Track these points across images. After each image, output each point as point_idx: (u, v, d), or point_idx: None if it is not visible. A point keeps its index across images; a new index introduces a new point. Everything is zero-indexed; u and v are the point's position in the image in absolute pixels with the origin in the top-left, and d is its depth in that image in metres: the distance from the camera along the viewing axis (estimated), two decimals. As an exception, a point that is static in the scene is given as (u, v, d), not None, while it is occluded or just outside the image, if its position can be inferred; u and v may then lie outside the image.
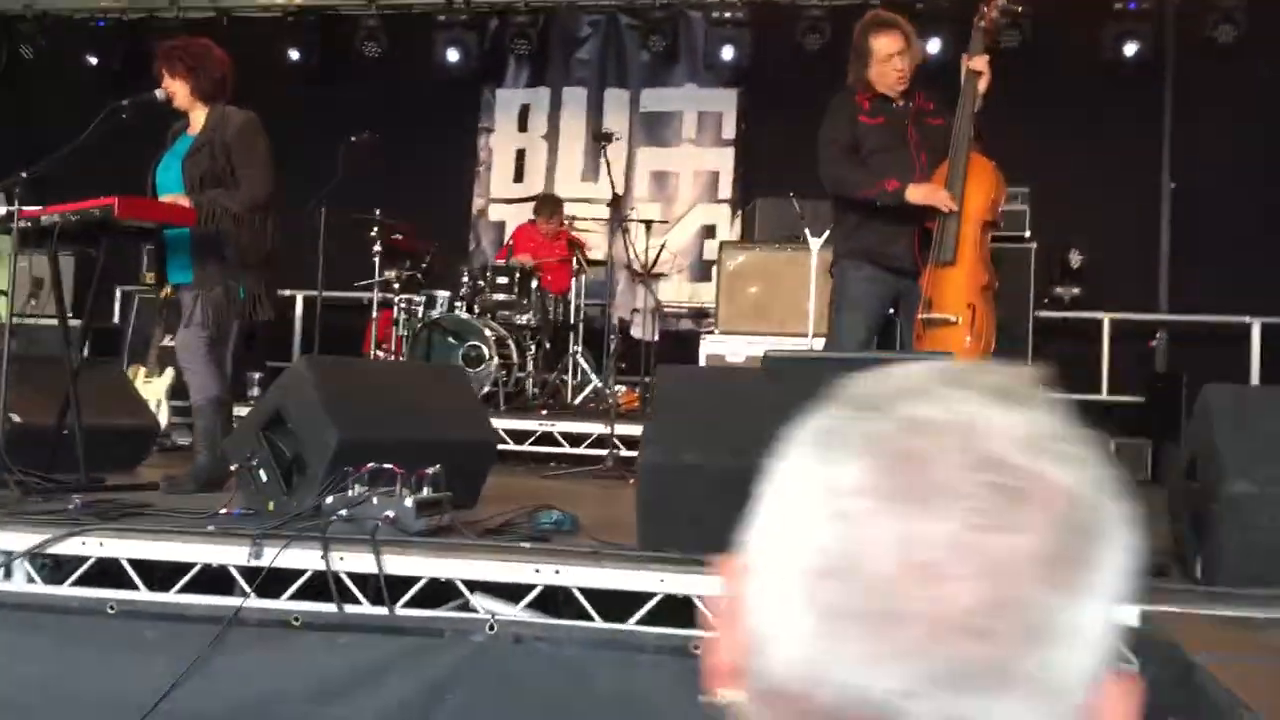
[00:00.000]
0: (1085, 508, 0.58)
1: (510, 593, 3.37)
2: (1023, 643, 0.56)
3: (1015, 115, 8.56)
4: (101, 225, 4.50)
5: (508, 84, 10.00)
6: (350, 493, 3.57)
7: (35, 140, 10.66)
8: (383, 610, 3.32)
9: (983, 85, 4.55)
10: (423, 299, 7.45)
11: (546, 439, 6.60)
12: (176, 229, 4.79)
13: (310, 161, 9.10)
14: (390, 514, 3.50)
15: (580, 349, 7.59)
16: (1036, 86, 8.47)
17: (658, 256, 7.78)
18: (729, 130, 9.65)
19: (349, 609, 3.34)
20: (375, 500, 3.53)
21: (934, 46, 8.20)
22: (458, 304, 7.28)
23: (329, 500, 3.58)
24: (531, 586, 3.28)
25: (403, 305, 7.45)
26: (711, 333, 7.07)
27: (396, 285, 7.40)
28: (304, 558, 3.37)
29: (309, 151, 9.05)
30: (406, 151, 9.87)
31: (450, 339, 7.13)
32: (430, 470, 3.65)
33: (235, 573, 3.40)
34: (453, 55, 9.67)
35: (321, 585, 3.37)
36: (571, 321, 7.64)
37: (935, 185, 4.49)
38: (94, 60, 10.36)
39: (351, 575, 3.36)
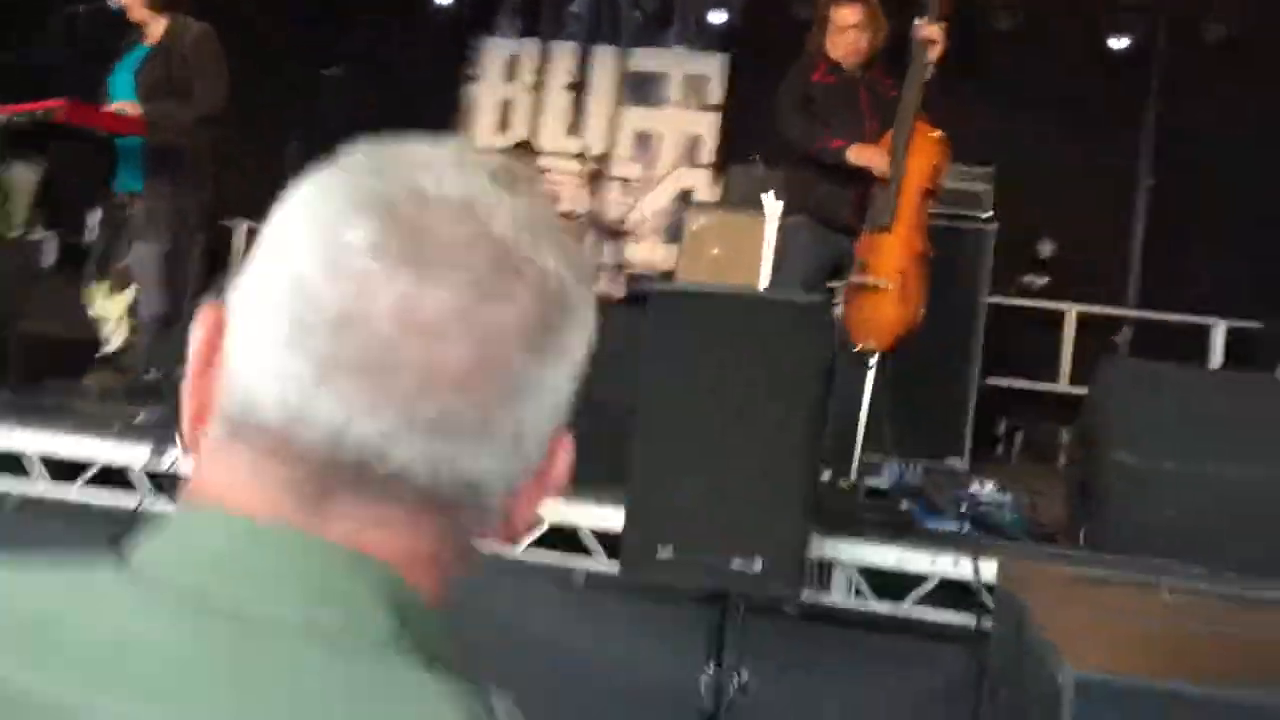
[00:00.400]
0: (564, 286, 0.64)
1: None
2: (502, 400, 0.61)
3: (996, 94, 8.64)
4: (50, 130, 4.50)
5: (498, 32, 9.97)
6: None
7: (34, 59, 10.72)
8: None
9: (934, 54, 4.53)
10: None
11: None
12: (129, 140, 4.80)
13: (286, 99, 9.13)
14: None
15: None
16: (1024, 68, 8.49)
17: (628, 216, 7.78)
18: (715, 95, 9.63)
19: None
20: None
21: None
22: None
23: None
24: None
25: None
26: (673, 293, 7.08)
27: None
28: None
29: (285, 87, 9.08)
30: (391, 95, 9.86)
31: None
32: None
33: (142, 473, 3.44)
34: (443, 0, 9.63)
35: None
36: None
37: (874, 147, 4.50)
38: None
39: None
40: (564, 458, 0.69)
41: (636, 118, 9.69)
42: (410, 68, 9.84)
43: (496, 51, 9.98)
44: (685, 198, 9.37)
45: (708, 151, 9.60)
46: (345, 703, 0.53)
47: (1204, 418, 3.22)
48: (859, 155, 4.49)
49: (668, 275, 8.46)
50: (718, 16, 9.29)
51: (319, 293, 0.60)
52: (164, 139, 4.73)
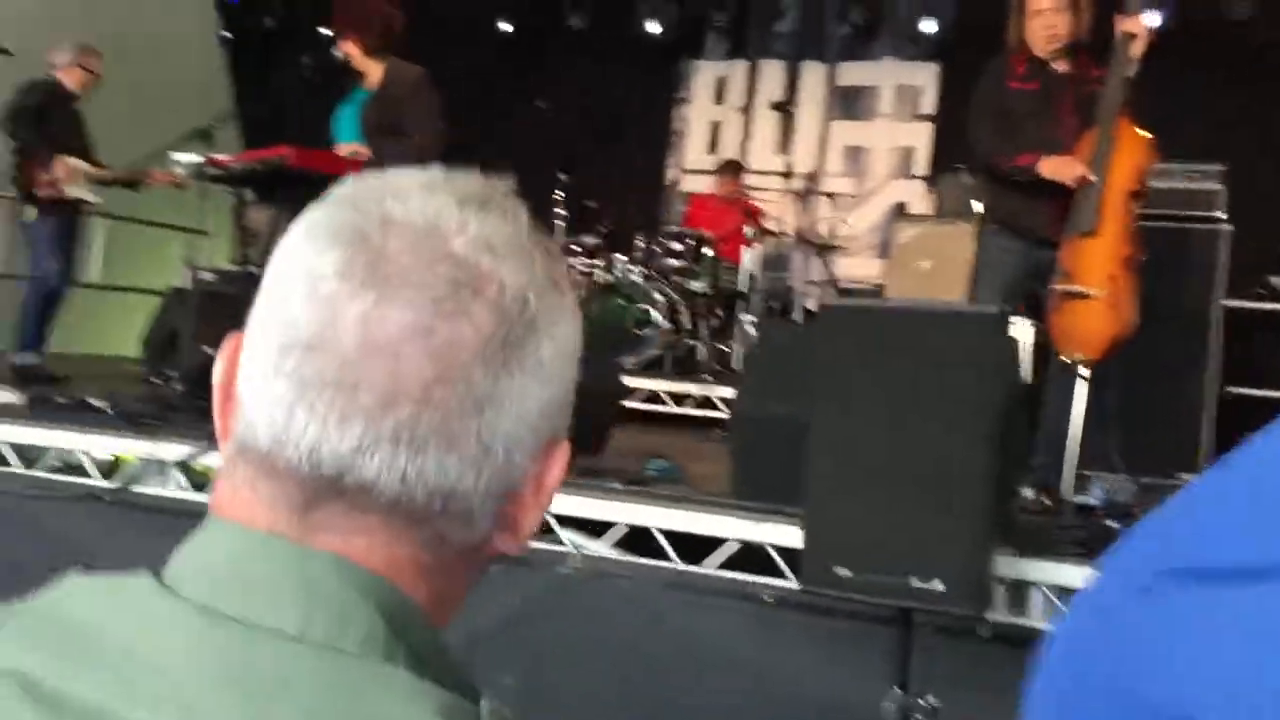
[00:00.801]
0: (527, 302, 0.67)
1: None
2: (464, 412, 0.65)
3: (1231, 88, 8.17)
4: (279, 174, 4.82)
5: (706, 55, 10.10)
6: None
7: (286, 106, 11.51)
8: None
9: (1138, 48, 4.33)
10: (602, 263, 7.63)
11: (706, 403, 6.69)
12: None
13: (510, 129, 9.50)
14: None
15: (753, 318, 7.62)
16: (1263, 58, 8.00)
17: (837, 231, 7.73)
18: (927, 105, 9.47)
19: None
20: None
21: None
22: (632, 268, 7.44)
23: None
24: (611, 524, 3.39)
25: (583, 268, 7.66)
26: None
27: (578, 249, 7.61)
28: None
29: (508, 119, 9.45)
30: (607, 121, 10.12)
31: (621, 301, 7.29)
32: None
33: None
34: (653, 27, 9.81)
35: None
36: (743, 289, 7.67)
37: (1066, 159, 4.32)
38: (327, 32, 10.96)
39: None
40: (559, 463, 0.71)
41: (847, 132, 9.62)
42: (621, 93, 10.08)
43: (705, 74, 10.09)
44: (898, 210, 9.22)
45: (921, 163, 9.44)
46: (332, 708, 0.58)
47: None
48: (1051, 169, 4.33)
49: (878, 289, 8.36)
50: (929, 25, 9.11)
51: (296, 318, 0.65)
52: (376, 180, 4.99)
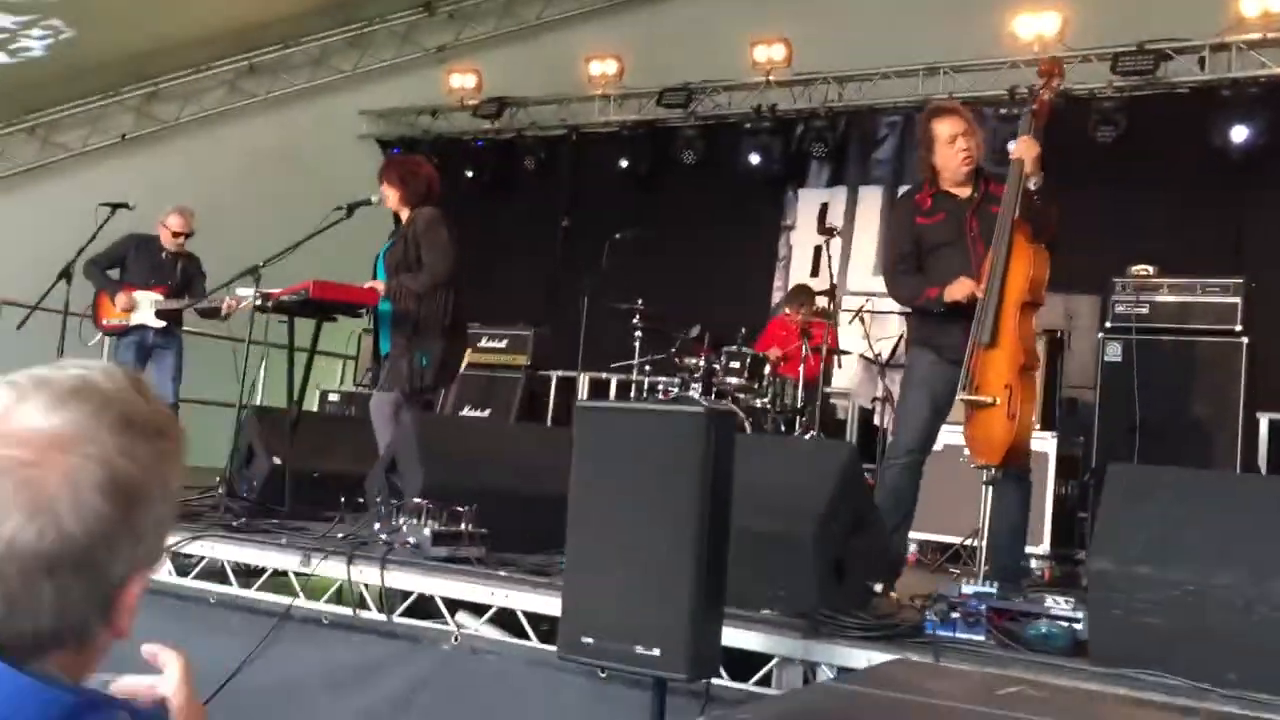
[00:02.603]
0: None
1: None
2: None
3: (1246, 205, 8.07)
4: (306, 305, 5.57)
5: (810, 184, 10.56)
6: (395, 521, 4.31)
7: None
8: (383, 617, 4.02)
9: (1028, 168, 4.58)
10: (677, 380, 8.12)
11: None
12: (383, 307, 5.80)
13: (635, 256, 10.15)
14: (412, 540, 4.20)
15: (816, 433, 7.90)
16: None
17: (895, 348, 7.96)
18: (1021, 224, 9.58)
19: (362, 614, 4.07)
20: (406, 528, 4.24)
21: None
22: (694, 385, 7.88)
23: (376, 526, 4.34)
24: (489, 607, 3.84)
25: (656, 386, 8.16)
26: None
27: (648, 367, 8.12)
28: (338, 568, 4.13)
29: (633, 246, 10.11)
30: (718, 248, 10.69)
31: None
32: (463, 509, 4.31)
33: (292, 576, 4.24)
34: (755, 159, 10.37)
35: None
36: (799, 406, 7.97)
37: (961, 281, 4.57)
38: (470, 174, 12.04)
39: (369, 586, 4.08)
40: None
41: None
42: (733, 223, 10.63)
43: (807, 201, 10.53)
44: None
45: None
46: None
47: (1193, 521, 3.08)
48: (949, 295, 4.59)
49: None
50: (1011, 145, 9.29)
51: None
52: (400, 307, 5.68)
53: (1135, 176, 8.91)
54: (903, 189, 5.10)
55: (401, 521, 4.31)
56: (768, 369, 7.95)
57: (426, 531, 4.20)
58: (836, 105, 10.32)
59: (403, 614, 4.02)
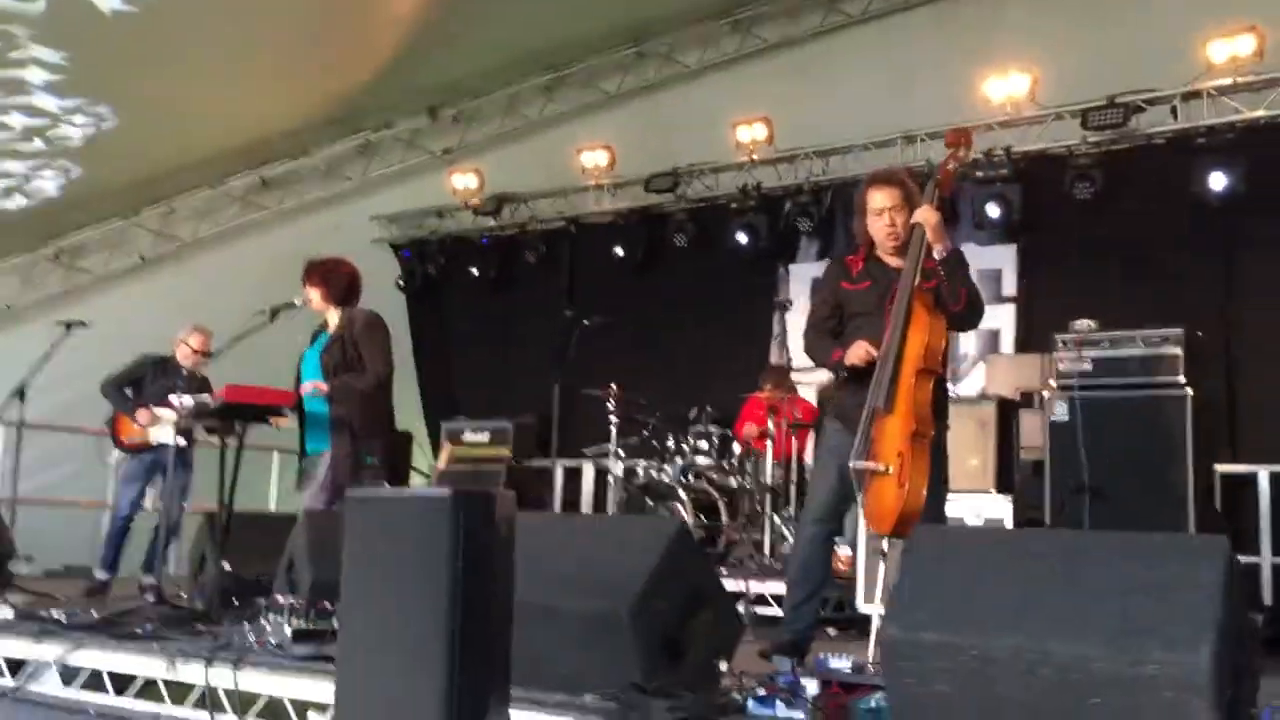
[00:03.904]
0: None
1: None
2: None
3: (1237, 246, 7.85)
4: (226, 409, 5.64)
5: (800, 259, 10.51)
6: (261, 621, 4.30)
7: (449, 338, 12.73)
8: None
9: (930, 235, 4.48)
10: (653, 463, 8.06)
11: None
12: (315, 407, 5.84)
13: (633, 340, 10.19)
14: (273, 639, 4.18)
15: (789, 512, 7.76)
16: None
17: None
18: (1009, 287, 9.44)
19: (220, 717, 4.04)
20: (268, 627, 4.22)
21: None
22: (666, 467, 7.81)
23: (245, 625, 4.33)
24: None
25: (631, 468, 8.11)
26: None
27: (619, 451, 8.08)
28: (197, 672, 4.12)
29: (630, 332, 10.17)
30: (713, 329, 10.66)
31: (649, 500, 7.66)
32: (333, 606, 4.27)
33: (160, 683, 4.23)
34: (743, 238, 10.36)
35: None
36: (770, 484, 7.84)
37: (858, 343, 4.48)
38: (475, 271, 12.21)
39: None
40: None
41: (934, 320, 9.65)
42: (725, 302, 10.60)
43: (799, 277, 10.48)
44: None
45: (1007, 343, 9.36)
46: None
47: (981, 583, 2.92)
48: (849, 358, 4.51)
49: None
50: (994, 210, 9.19)
51: None
52: (343, 408, 5.71)
53: (1117, 230, 8.73)
54: (839, 255, 5.04)
55: (268, 621, 4.29)
56: (736, 447, 7.86)
57: (287, 630, 4.17)
58: (820, 179, 10.31)
59: (259, 715, 3.98)
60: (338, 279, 6.04)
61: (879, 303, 4.63)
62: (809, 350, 4.88)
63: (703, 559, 4.04)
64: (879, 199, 4.73)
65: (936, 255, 4.53)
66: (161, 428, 7.31)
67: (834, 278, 4.89)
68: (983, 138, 9.41)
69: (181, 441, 7.31)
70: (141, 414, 7.25)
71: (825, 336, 4.77)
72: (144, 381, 7.42)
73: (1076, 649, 2.74)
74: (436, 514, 2.85)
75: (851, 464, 4.40)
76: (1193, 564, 2.74)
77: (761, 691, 3.36)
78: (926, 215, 4.52)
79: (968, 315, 4.62)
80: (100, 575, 7.13)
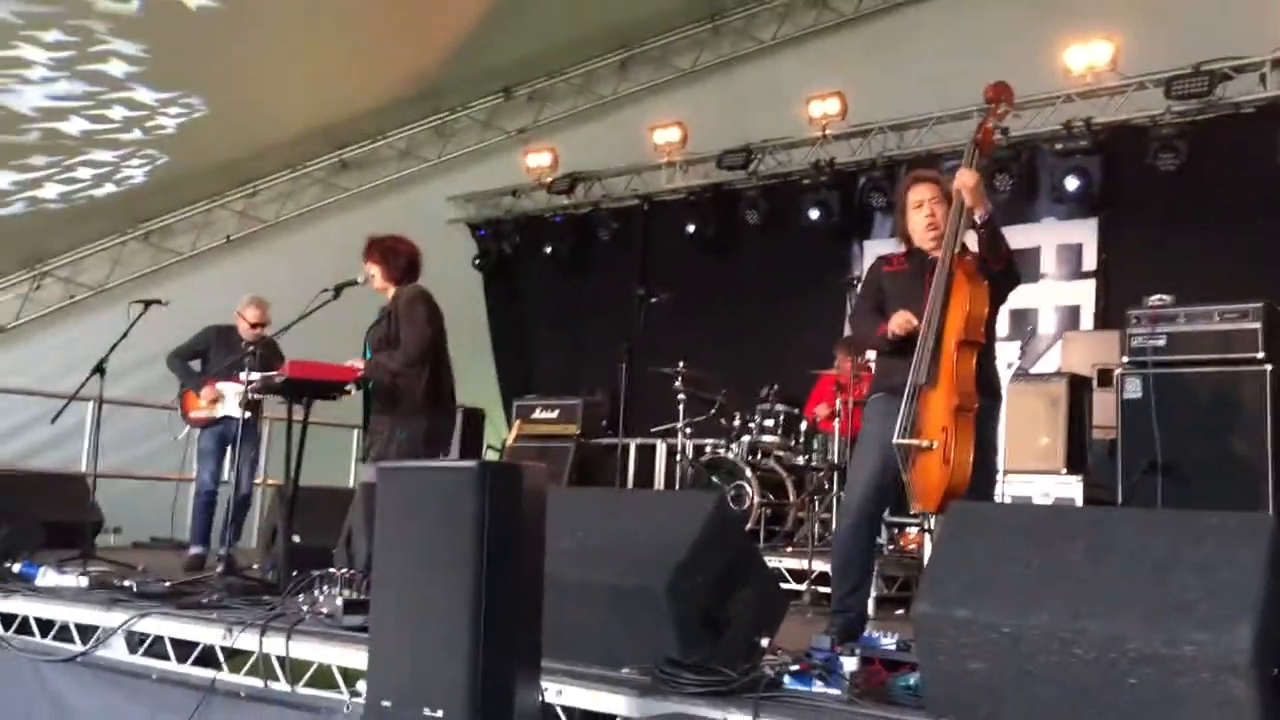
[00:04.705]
0: None
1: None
2: None
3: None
4: (290, 384, 5.73)
5: (875, 235, 10.37)
6: (313, 591, 4.38)
7: (524, 315, 12.86)
8: (287, 688, 4.06)
9: (969, 200, 4.39)
10: (720, 441, 8.04)
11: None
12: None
13: (705, 318, 10.17)
14: (325, 610, 4.25)
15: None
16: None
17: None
18: (1089, 261, 9.21)
19: (273, 685, 4.12)
20: (321, 598, 4.30)
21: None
22: (734, 445, 7.77)
23: (300, 597, 4.41)
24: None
25: (699, 446, 8.09)
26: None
27: (687, 429, 8.05)
28: (253, 640, 4.20)
29: (705, 309, 10.14)
30: (785, 306, 10.57)
31: (715, 479, 7.63)
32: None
33: (218, 650, 4.33)
34: (815, 214, 10.25)
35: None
36: (837, 462, 7.74)
37: (900, 313, 4.41)
38: (549, 250, 12.26)
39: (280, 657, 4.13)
40: None
41: (1011, 295, 9.44)
42: (798, 280, 10.50)
43: (872, 253, 10.31)
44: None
45: (1086, 319, 9.15)
46: None
47: (1015, 559, 2.84)
48: (890, 327, 4.44)
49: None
50: (1072, 182, 8.97)
51: None
52: (380, 383, 5.78)
53: (1202, 203, 8.46)
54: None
55: (323, 592, 4.36)
56: (804, 425, 7.79)
57: (339, 601, 4.24)
58: (895, 154, 10.15)
59: (309, 684, 4.05)
60: (396, 257, 6.07)
61: (916, 281, 4.56)
62: (856, 333, 4.86)
63: (743, 534, 4.02)
64: (919, 192, 4.67)
65: (978, 218, 4.43)
66: (226, 402, 7.44)
67: (876, 266, 4.87)
68: (1062, 109, 9.21)
69: (246, 415, 7.43)
70: (206, 390, 7.38)
71: (869, 315, 4.70)
72: (209, 354, 7.53)
73: (1112, 628, 2.67)
74: (464, 486, 2.86)
75: (895, 441, 4.33)
76: (1234, 543, 2.64)
77: (797, 667, 3.32)
78: (965, 178, 4.41)
79: (1010, 274, 4.53)
80: (195, 550, 7.29)
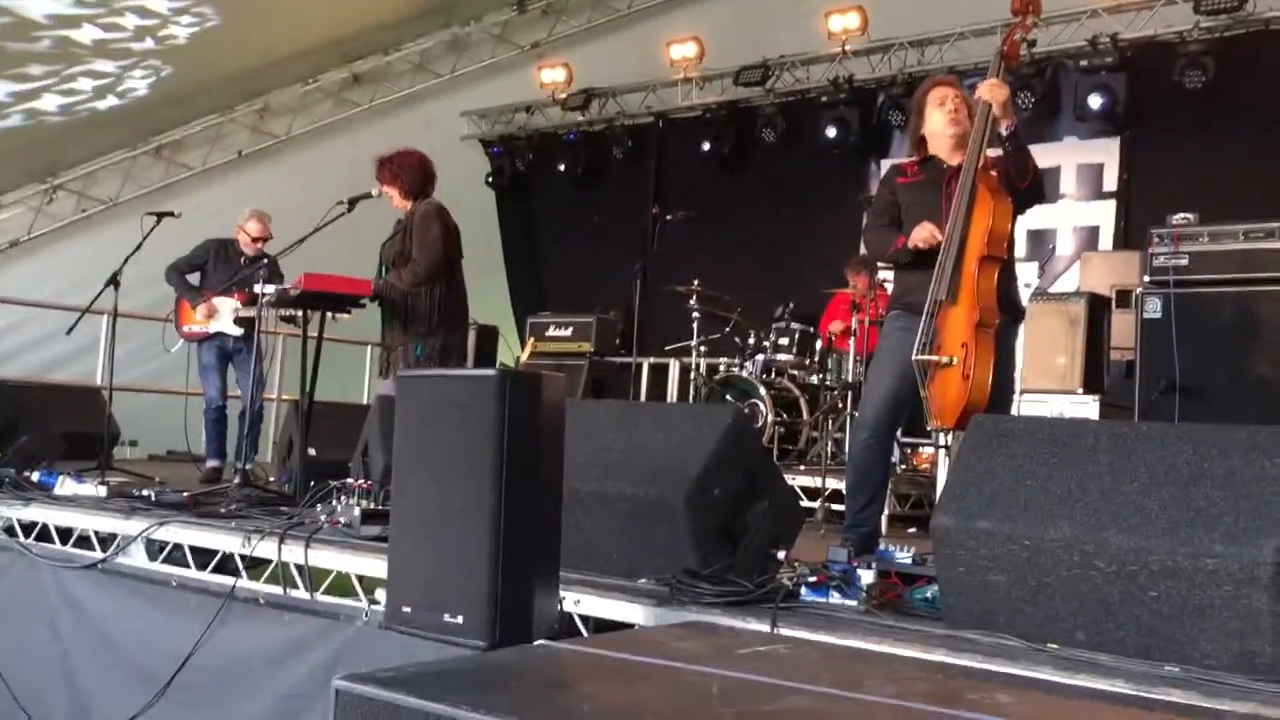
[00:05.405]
0: None
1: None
2: None
3: None
4: (305, 297, 5.70)
5: (893, 154, 10.24)
6: (330, 502, 4.39)
7: (537, 233, 12.79)
8: (306, 595, 4.09)
9: (996, 111, 4.30)
10: (734, 360, 8.02)
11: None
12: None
13: (720, 236, 10.09)
14: (343, 520, 4.26)
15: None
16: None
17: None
18: (1110, 182, 9.09)
19: (292, 593, 4.15)
20: (339, 509, 4.31)
21: None
22: (748, 364, 7.75)
23: (318, 507, 4.43)
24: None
25: (713, 364, 8.07)
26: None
27: (701, 347, 8.03)
28: (271, 549, 4.23)
29: (720, 228, 10.06)
30: (802, 225, 10.49)
31: (730, 397, 7.62)
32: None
33: (237, 558, 4.36)
34: (832, 132, 10.12)
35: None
36: (852, 381, 7.72)
37: (923, 225, 4.33)
38: (562, 168, 12.15)
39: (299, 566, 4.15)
40: None
41: (1029, 215, 9.34)
42: (814, 198, 10.41)
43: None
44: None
45: (1107, 240, 9.05)
46: None
47: (1037, 472, 2.82)
48: (913, 239, 4.36)
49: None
50: (1097, 100, 8.82)
51: None
52: (392, 300, 5.76)
53: (1229, 123, 8.32)
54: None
55: (340, 503, 4.38)
56: (818, 344, 7.76)
57: (356, 511, 4.25)
58: (915, 70, 9.98)
59: (327, 591, 4.08)
60: (409, 172, 6.00)
61: (934, 191, 4.46)
62: (871, 246, 4.79)
63: (760, 448, 4.00)
64: (942, 91, 4.56)
65: (1004, 131, 4.34)
66: (220, 318, 7.43)
67: (890, 176, 4.74)
68: (1088, 24, 9.03)
69: (238, 331, 7.41)
70: (201, 306, 7.34)
71: (886, 228, 4.62)
72: (206, 267, 7.49)
73: (1134, 541, 2.65)
74: (483, 395, 2.85)
75: (914, 357, 4.29)
76: (1259, 457, 2.62)
77: (814, 579, 3.33)
78: (993, 90, 4.32)
79: (1034, 190, 4.44)
80: (212, 463, 7.33)
